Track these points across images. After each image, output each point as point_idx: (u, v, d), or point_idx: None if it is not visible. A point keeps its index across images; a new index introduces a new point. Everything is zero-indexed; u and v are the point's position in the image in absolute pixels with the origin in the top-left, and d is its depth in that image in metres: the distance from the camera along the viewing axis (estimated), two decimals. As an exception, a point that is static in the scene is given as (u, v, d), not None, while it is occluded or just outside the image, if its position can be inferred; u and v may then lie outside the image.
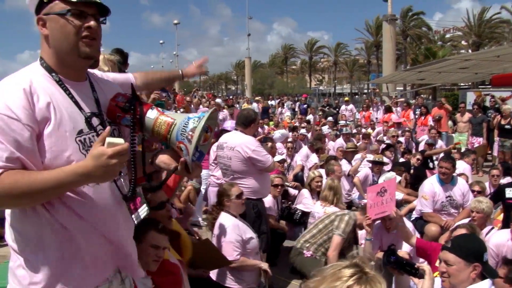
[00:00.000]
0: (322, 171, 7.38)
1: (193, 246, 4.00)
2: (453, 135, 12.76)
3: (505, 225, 5.25)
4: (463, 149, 11.39)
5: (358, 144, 10.35)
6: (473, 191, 6.30)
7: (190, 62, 3.29)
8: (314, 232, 5.16)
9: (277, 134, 11.79)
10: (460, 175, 7.17)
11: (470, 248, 2.74)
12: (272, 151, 7.38)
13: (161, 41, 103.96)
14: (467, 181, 6.94)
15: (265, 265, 4.46)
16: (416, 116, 13.94)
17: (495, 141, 11.26)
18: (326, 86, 76.85)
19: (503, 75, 15.68)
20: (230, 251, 4.21)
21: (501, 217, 6.08)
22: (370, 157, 8.50)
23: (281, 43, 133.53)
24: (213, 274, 4.36)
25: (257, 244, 4.49)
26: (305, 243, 5.13)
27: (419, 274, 2.68)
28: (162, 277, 2.97)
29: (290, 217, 6.51)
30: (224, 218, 4.37)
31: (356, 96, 31.72)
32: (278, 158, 7.95)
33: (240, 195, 4.46)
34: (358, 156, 8.99)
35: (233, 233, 4.26)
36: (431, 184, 6.20)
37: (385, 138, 11.27)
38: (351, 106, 19.08)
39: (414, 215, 6.56)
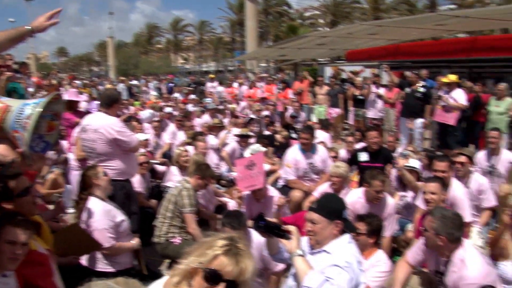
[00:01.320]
0: (191, 148, 7.35)
1: (60, 232, 3.75)
2: (314, 107, 13.45)
3: (360, 186, 5.72)
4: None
5: (224, 120, 10.48)
6: (330, 157, 6.79)
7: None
8: (169, 216, 4.93)
9: (145, 114, 11.48)
10: (320, 143, 7.64)
11: (332, 207, 2.92)
12: (136, 131, 7.21)
13: (11, 19, 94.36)
14: (326, 148, 7.42)
15: (137, 245, 4.33)
16: (279, 91, 14.45)
17: (350, 111, 12.14)
18: (192, 65, 76.51)
19: (356, 50, 16.91)
20: (104, 238, 3.98)
21: (357, 178, 6.63)
22: (236, 131, 8.65)
23: (145, 22, 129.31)
24: (83, 260, 4.11)
25: (128, 225, 4.32)
26: (167, 233, 4.92)
27: (286, 236, 2.79)
28: (30, 269, 2.72)
29: (159, 195, 6.40)
30: (93, 204, 4.07)
31: (222, 74, 32.05)
32: (142, 136, 7.76)
33: (105, 175, 4.24)
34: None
35: (104, 219, 4.02)
36: (293, 153, 6.51)
37: (250, 112, 11.55)
38: (216, 83, 19.19)
39: (280, 182, 6.85)
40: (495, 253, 4.03)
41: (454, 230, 3.24)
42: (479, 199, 5.50)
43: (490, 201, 5.51)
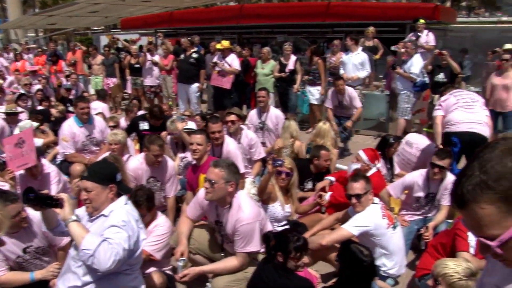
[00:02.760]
0: None
1: None
2: (90, 78, 12.97)
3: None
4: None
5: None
6: (110, 126, 6.75)
7: None
8: None
9: None
10: (98, 114, 7.49)
11: (104, 173, 2.97)
12: None
13: None
14: (104, 119, 7.31)
15: None
16: (51, 63, 13.46)
17: (127, 80, 12.03)
18: None
19: (130, 18, 16.63)
20: None
21: (137, 146, 6.75)
22: (2, 108, 7.88)
23: None
24: None
25: None
26: None
27: (60, 205, 2.77)
28: None
29: None
30: None
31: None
32: None
33: None
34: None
35: None
36: (69, 126, 6.27)
37: (19, 87, 10.60)
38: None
39: (59, 158, 6.55)
40: (265, 198, 4.59)
41: (238, 175, 3.60)
42: (250, 152, 6.14)
43: (260, 153, 6.18)
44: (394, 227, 3.89)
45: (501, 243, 1.09)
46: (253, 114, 7.30)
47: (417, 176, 4.75)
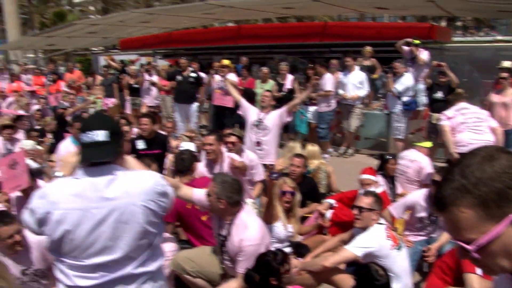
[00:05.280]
0: None
1: None
2: (90, 98, 12.95)
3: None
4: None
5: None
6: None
7: None
8: None
9: None
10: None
11: None
12: None
13: None
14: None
15: None
16: (49, 83, 13.51)
17: (126, 100, 12.03)
18: None
19: (129, 39, 16.73)
20: None
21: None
22: None
23: None
24: None
25: None
26: None
27: None
28: None
29: None
30: None
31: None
32: None
33: None
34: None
35: None
36: (66, 146, 6.20)
37: (18, 108, 10.58)
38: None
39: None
40: (267, 217, 4.52)
41: (233, 194, 3.50)
42: (251, 173, 6.05)
43: (260, 175, 6.11)
44: (399, 248, 3.82)
45: (479, 248, 1.11)
46: (252, 110, 7.07)
47: (419, 196, 4.70)
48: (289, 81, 9.76)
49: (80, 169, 2.28)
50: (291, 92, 9.59)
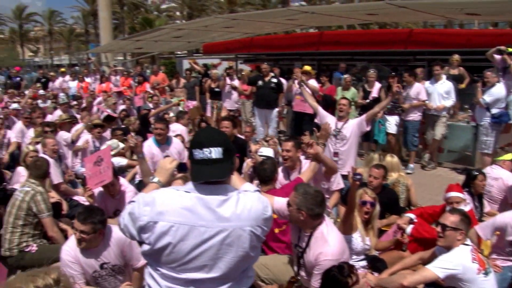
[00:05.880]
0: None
1: None
2: (172, 100, 13.38)
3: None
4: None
5: (79, 115, 10.01)
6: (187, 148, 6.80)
7: None
8: (20, 225, 4.56)
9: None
10: (177, 136, 7.63)
11: None
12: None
13: None
14: (183, 141, 7.42)
15: None
16: (136, 85, 14.14)
17: (207, 103, 12.28)
18: (42, 58, 71.14)
19: (212, 43, 17.11)
20: None
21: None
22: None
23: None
24: None
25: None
26: (20, 244, 4.53)
27: None
28: None
29: (6, 199, 5.89)
30: None
31: (76, 67, 30.34)
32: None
33: None
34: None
35: None
36: (148, 146, 6.40)
37: (105, 107, 11.13)
38: (67, 77, 18.10)
39: (137, 178, 6.71)
40: (345, 227, 4.38)
41: (315, 206, 3.39)
42: (330, 182, 5.92)
43: (338, 184, 5.95)
44: (486, 273, 3.53)
45: None
46: (330, 119, 6.83)
47: (510, 217, 4.36)
48: (376, 89, 9.50)
49: (191, 184, 2.23)
50: (376, 101, 9.19)
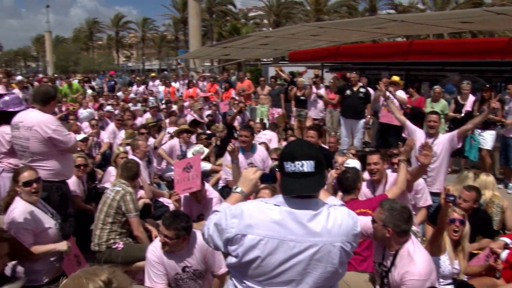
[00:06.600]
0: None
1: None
2: (256, 106, 13.48)
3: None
4: (265, 120, 12.20)
5: (167, 119, 10.36)
6: (272, 159, 6.76)
7: None
8: (109, 222, 4.70)
9: (83, 113, 11.21)
10: (261, 143, 7.61)
11: None
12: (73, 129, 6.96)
13: None
14: (267, 149, 7.39)
15: (62, 246, 4.05)
16: (222, 91, 14.41)
17: (292, 111, 12.23)
18: (134, 63, 75.08)
19: (298, 51, 17.04)
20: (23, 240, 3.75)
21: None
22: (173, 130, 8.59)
23: (87, 17, 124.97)
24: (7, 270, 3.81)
25: (56, 232, 4.07)
26: (108, 240, 4.68)
27: None
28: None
29: (98, 197, 6.17)
30: (17, 204, 3.91)
31: (165, 72, 31.58)
32: (80, 137, 7.59)
33: (29, 183, 3.92)
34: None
35: (23, 222, 3.80)
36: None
37: (192, 112, 11.43)
38: (157, 81, 18.86)
39: (221, 184, 6.78)
40: (433, 248, 4.13)
41: (401, 222, 3.25)
42: (416, 198, 5.62)
43: (426, 200, 5.65)
44: None
45: None
46: (419, 133, 6.52)
47: None
48: (470, 102, 8.94)
49: (280, 197, 2.18)
50: (469, 115, 8.64)
